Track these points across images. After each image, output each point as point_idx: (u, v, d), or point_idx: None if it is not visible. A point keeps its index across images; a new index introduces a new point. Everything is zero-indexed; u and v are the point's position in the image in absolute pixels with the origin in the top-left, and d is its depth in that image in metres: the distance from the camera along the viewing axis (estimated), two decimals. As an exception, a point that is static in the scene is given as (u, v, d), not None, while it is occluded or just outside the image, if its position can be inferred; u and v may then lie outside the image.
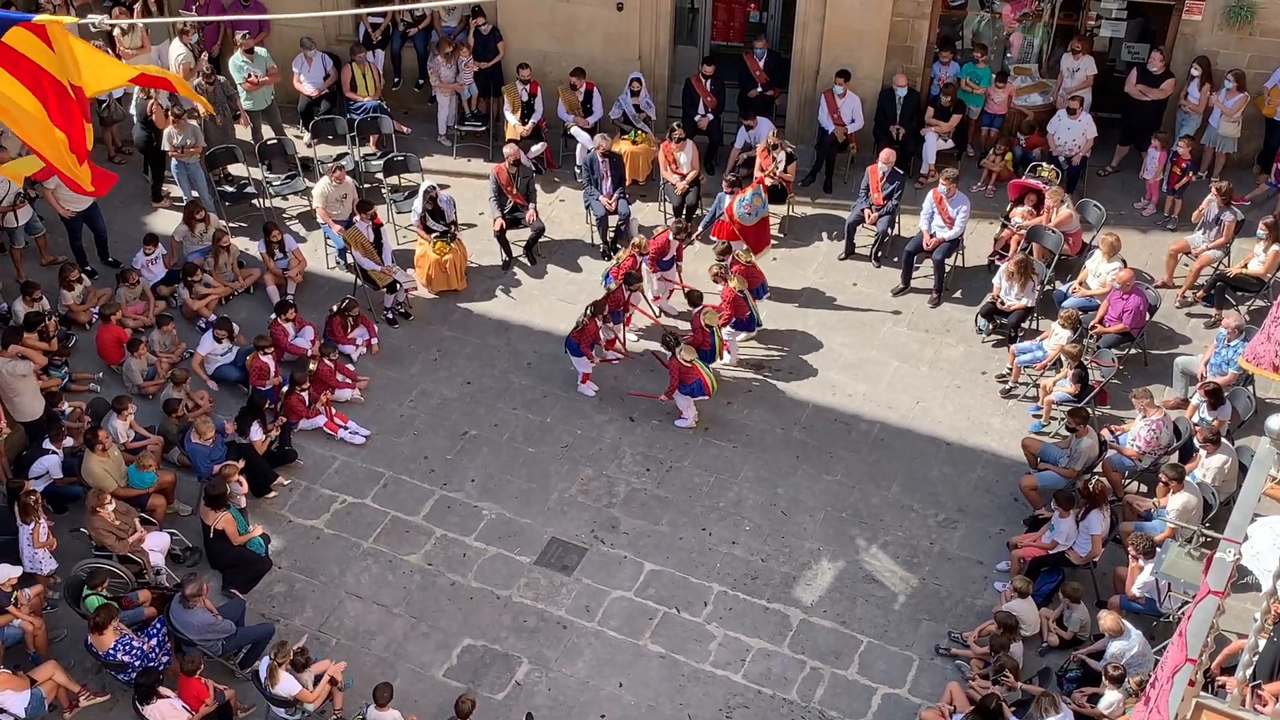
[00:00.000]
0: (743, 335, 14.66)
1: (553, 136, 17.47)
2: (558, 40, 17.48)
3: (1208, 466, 12.30)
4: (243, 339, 14.52)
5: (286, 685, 10.82)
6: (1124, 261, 14.56)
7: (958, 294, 15.60)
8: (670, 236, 14.83)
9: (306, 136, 17.46)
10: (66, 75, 8.96)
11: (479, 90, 17.67)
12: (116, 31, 16.88)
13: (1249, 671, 7.08)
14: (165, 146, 16.11)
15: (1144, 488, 12.97)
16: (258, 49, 17.09)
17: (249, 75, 16.91)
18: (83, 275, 15.12)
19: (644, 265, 14.83)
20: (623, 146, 16.76)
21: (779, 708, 11.49)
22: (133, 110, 16.69)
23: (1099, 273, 14.56)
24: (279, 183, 17.01)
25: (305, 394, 13.71)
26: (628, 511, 13.15)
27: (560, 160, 17.66)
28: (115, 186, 16.43)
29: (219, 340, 14.20)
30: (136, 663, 11.02)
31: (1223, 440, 12.45)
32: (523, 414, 14.19)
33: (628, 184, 16.52)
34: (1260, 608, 6.75)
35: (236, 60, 16.95)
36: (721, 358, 14.36)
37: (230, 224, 16.48)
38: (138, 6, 17.34)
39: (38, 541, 11.82)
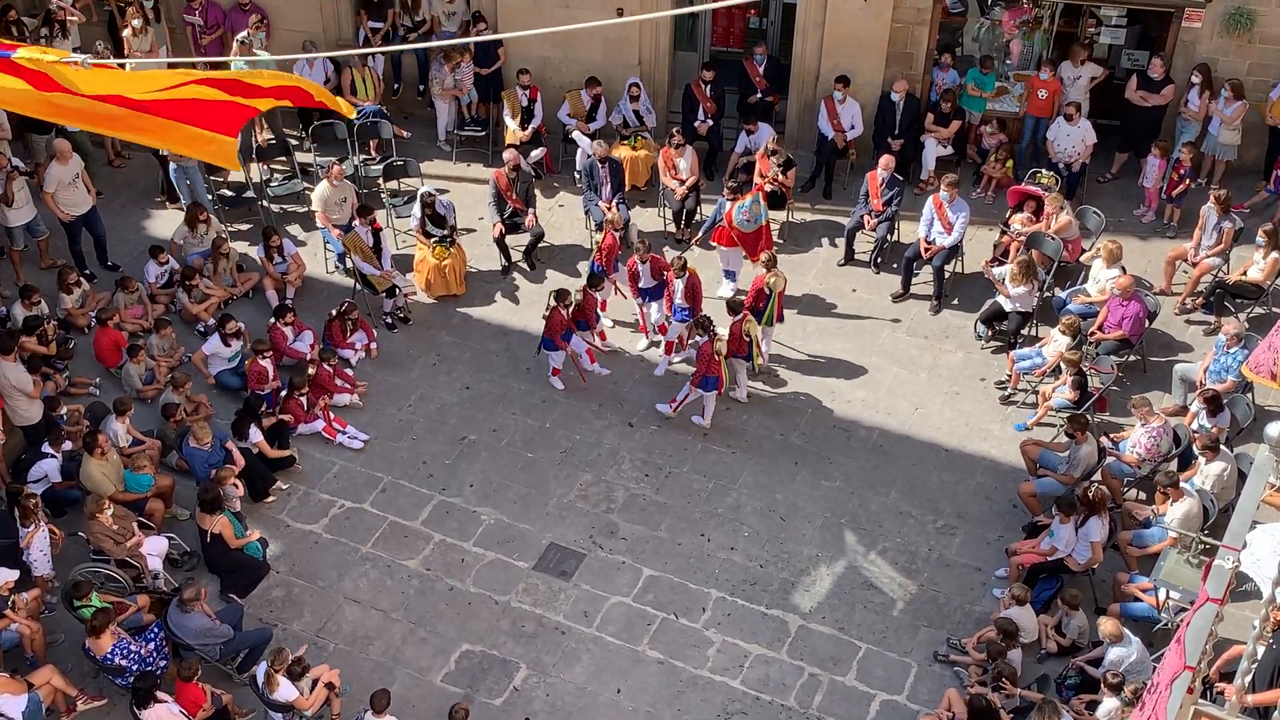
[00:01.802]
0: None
1: (552, 142, 17.49)
2: (558, 46, 17.49)
3: (1207, 473, 12.29)
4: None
5: (285, 691, 10.82)
6: (1123, 268, 14.59)
7: (957, 300, 15.61)
8: (638, 262, 14.60)
9: (305, 141, 17.48)
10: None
11: (479, 96, 17.69)
12: (127, 33, 16.90)
13: (1248, 679, 7.08)
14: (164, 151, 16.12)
15: (1143, 495, 12.97)
16: (261, 52, 17.10)
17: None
18: (81, 279, 15.12)
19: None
20: (622, 152, 16.78)
21: (777, 714, 11.48)
22: None
23: (1099, 279, 14.57)
24: (276, 184, 17.04)
25: (304, 399, 13.71)
26: (626, 517, 13.14)
27: (560, 165, 17.67)
28: (114, 190, 16.74)
29: (227, 344, 14.19)
30: (134, 667, 11.01)
31: (1222, 448, 12.45)
32: (521, 419, 14.18)
33: (627, 189, 16.53)
34: (1259, 615, 6.75)
35: (237, 63, 16.96)
36: (760, 361, 14.39)
37: (229, 228, 16.51)
38: (132, 10, 17.35)
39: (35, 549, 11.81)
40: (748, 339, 13.64)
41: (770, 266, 14.15)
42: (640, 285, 14.65)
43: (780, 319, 14.48)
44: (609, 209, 15.93)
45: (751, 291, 14.22)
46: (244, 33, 17.10)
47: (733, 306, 13.88)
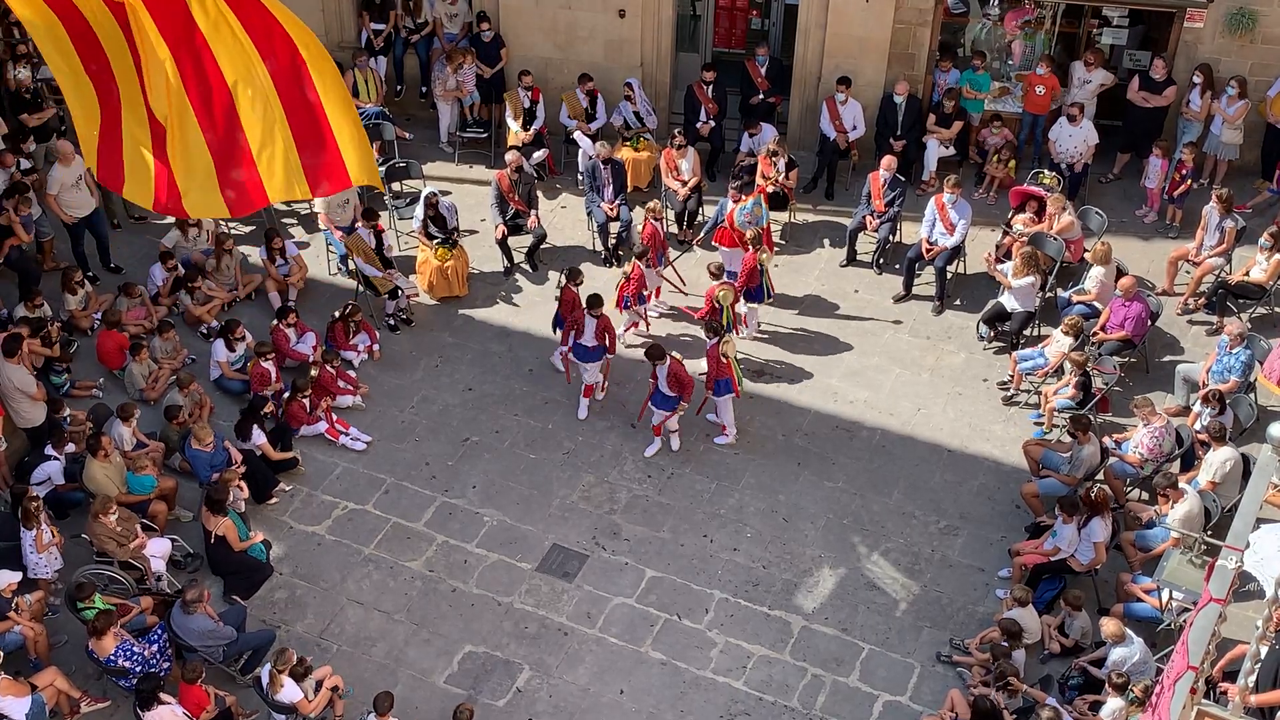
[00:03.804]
0: (746, 308, 14.78)
1: (555, 143, 17.49)
2: (559, 47, 17.51)
3: (1212, 461, 12.26)
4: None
5: (289, 692, 10.82)
6: (1119, 268, 14.59)
7: (959, 301, 15.61)
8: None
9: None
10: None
11: (481, 97, 17.69)
12: None
13: (1251, 679, 7.08)
14: None
15: (1145, 495, 12.96)
16: None
17: None
18: (85, 280, 15.12)
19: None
20: (625, 153, 16.79)
21: (780, 715, 11.48)
22: None
23: (1091, 276, 14.61)
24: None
25: (306, 400, 13.72)
26: (629, 518, 13.14)
27: (562, 166, 17.68)
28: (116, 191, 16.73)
29: (232, 348, 14.21)
30: (137, 669, 11.02)
31: (1228, 441, 12.44)
32: (524, 420, 14.19)
33: (629, 190, 16.54)
34: (1262, 615, 6.75)
35: None
36: (739, 332, 14.52)
37: (231, 230, 16.50)
38: None
39: (41, 546, 11.82)
40: (724, 359, 13.24)
41: (756, 245, 14.37)
42: (583, 342, 13.78)
43: (771, 296, 14.80)
44: (612, 210, 15.97)
45: (743, 273, 14.30)
46: None
47: (710, 330, 13.43)
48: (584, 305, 13.76)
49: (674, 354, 13.51)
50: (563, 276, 14.24)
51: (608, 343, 13.83)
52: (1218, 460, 12.24)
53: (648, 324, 15.07)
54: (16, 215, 14.81)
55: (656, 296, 15.21)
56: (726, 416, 13.81)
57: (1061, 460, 12.84)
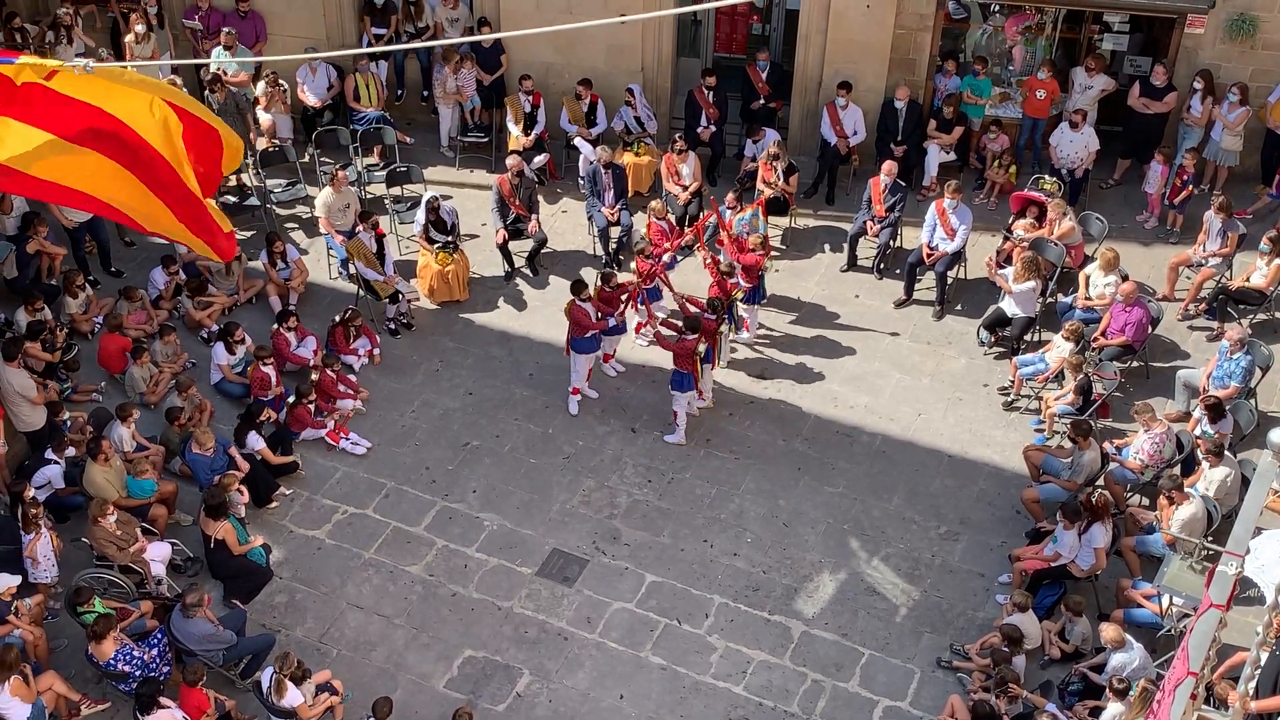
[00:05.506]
0: (745, 307, 14.78)
1: (555, 147, 17.50)
2: (560, 52, 17.51)
3: (1211, 478, 12.28)
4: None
5: (292, 697, 10.82)
6: (1123, 275, 14.59)
7: (960, 306, 15.61)
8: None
9: (309, 146, 17.49)
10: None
11: (481, 101, 17.71)
12: (129, 39, 16.94)
13: (1251, 685, 7.08)
14: None
15: (1146, 501, 12.96)
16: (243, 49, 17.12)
17: (219, 68, 16.86)
18: (86, 283, 15.13)
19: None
20: (626, 158, 16.80)
21: (780, 720, 11.49)
22: None
23: (1097, 285, 14.60)
24: (280, 189, 17.05)
25: (312, 406, 13.72)
26: (629, 523, 13.14)
27: (563, 171, 17.69)
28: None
29: (231, 351, 14.22)
30: (137, 673, 11.02)
31: (1225, 453, 12.45)
32: (524, 425, 14.19)
33: (630, 195, 16.55)
34: (1263, 621, 6.75)
35: (217, 52, 16.95)
36: (738, 333, 14.74)
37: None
38: (135, 16, 17.35)
39: (35, 555, 11.81)
40: (696, 357, 13.29)
41: (764, 247, 14.55)
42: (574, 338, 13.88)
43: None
44: (613, 215, 15.98)
45: (744, 270, 14.30)
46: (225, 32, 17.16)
47: (689, 324, 13.50)
48: (575, 296, 13.75)
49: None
50: (598, 278, 14.22)
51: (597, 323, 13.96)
52: (1217, 478, 12.24)
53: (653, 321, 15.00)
54: (41, 238, 14.90)
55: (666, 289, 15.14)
56: (680, 413, 13.69)
57: (1062, 466, 12.83)
